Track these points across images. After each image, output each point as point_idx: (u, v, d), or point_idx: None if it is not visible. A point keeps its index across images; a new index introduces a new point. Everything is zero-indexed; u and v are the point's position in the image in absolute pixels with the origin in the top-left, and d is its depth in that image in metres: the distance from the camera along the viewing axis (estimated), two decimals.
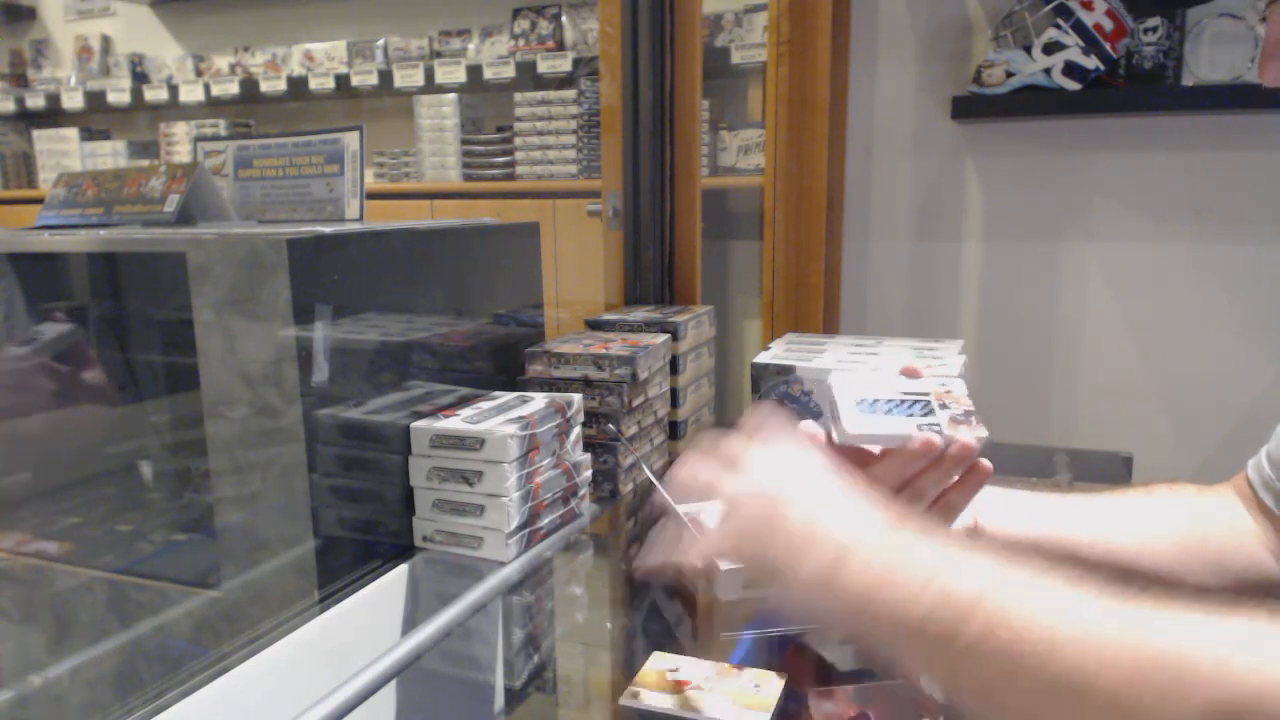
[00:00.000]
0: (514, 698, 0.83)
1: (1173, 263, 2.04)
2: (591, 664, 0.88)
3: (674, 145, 1.61)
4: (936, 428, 0.67)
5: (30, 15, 3.92)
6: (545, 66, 2.82)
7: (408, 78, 3.02)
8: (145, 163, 3.49)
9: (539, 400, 1.03)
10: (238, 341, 0.85)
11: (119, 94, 3.48)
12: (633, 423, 1.18)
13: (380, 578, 0.91)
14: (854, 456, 0.67)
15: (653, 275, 1.61)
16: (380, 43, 3.17)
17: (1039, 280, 2.15)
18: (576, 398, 1.06)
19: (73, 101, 3.57)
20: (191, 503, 1.07)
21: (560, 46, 2.88)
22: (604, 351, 1.14)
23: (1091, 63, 1.90)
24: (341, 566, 0.90)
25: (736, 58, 2.54)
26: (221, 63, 3.49)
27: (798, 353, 1.30)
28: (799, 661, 0.79)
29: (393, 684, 0.76)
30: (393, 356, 0.97)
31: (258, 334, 0.84)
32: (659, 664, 0.76)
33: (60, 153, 3.64)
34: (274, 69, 3.36)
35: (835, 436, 0.68)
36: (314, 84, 3.16)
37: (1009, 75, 1.97)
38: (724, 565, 0.87)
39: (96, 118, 3.67)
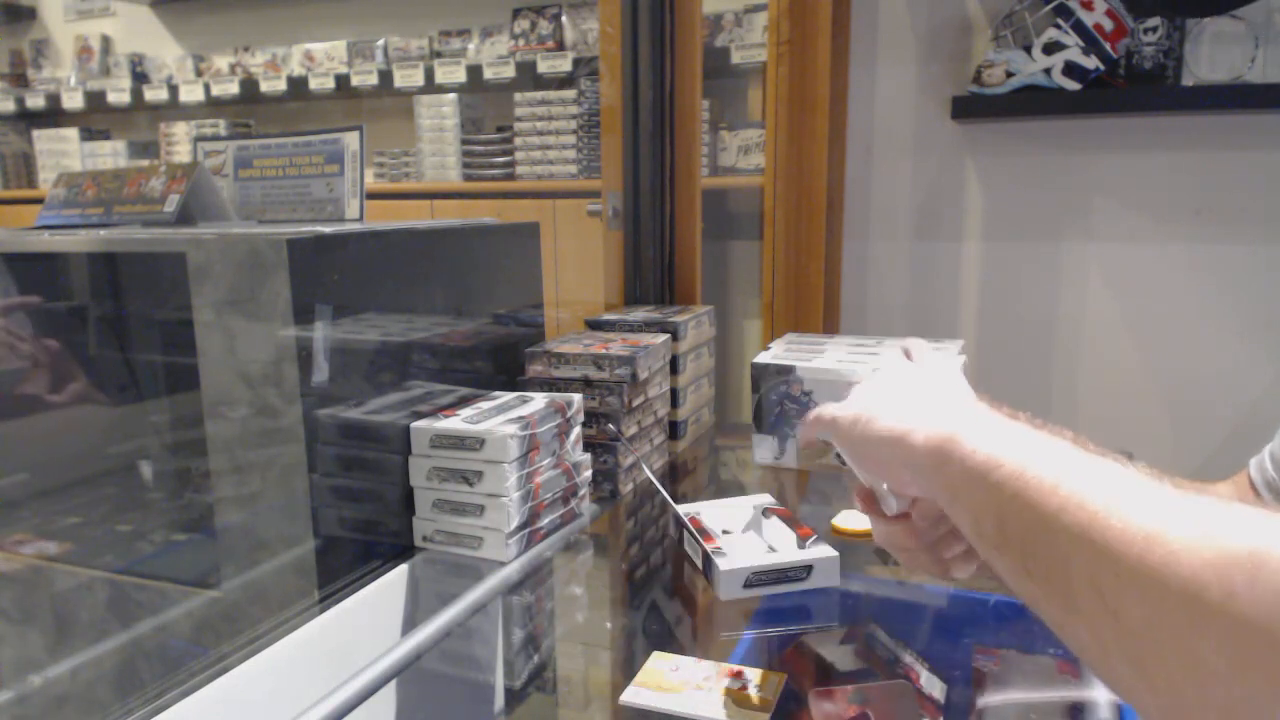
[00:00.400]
0: (514, 698, 0.83)
1: (1173, 263, 2.04)
2: (591, 664, 0.88)
3: (674, 145, 1.61)
4: None
5: (30, 15, 3.92)
6: (545, 66, 2.82)
7: (408, 78, 3.02)
8: (145, 163, 3.49)
9: (539, 400, 1.03)
10: (238, 341, 0.85)
11: (119, 94, 3.48)
12: (633, 423, 1.18)
13: (380, 578, 0.91)
14: None
15: (653, 275, 1.61)
16: (380, 43, 3.17)
17: (1039, 280, 2.15)
18: (576, 398, 1.06)
19: (73, 101, 3.57)
20: (191, 503, 1.07)
21: (560, 46, 2.88)
22: (604, 351, 1.14)
23: (1091, 63, 1.90)
24: (341, 566, 0.90)
25: (736, 58, 2.54)
26: (221, 63, 3.50)
27: (798, 353, 1.30)
28: (799, 661, 0.79)
29: (393, 684, 0.76)
30: (393, 356, 0.97)
31: (258, 334, 0.84)
32: (659, 664, 0.76)
33: (60, 153, 3.64)
34: (274, 69, 3.36)
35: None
36: (314, 84, 3.17)
37: (1009, 75, 1.97)
38: (724, 566, 0.87)
39: (96, 118, 3.67)
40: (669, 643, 0.81)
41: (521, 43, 2.92)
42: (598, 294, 1.63)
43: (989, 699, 0.71)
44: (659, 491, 1.16)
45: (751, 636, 0.85)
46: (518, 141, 2.85)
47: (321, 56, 3.27)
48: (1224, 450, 2.00)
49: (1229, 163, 1.97)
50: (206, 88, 3.33)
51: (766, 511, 1.01)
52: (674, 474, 1.31)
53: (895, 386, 0.63)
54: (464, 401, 1.05)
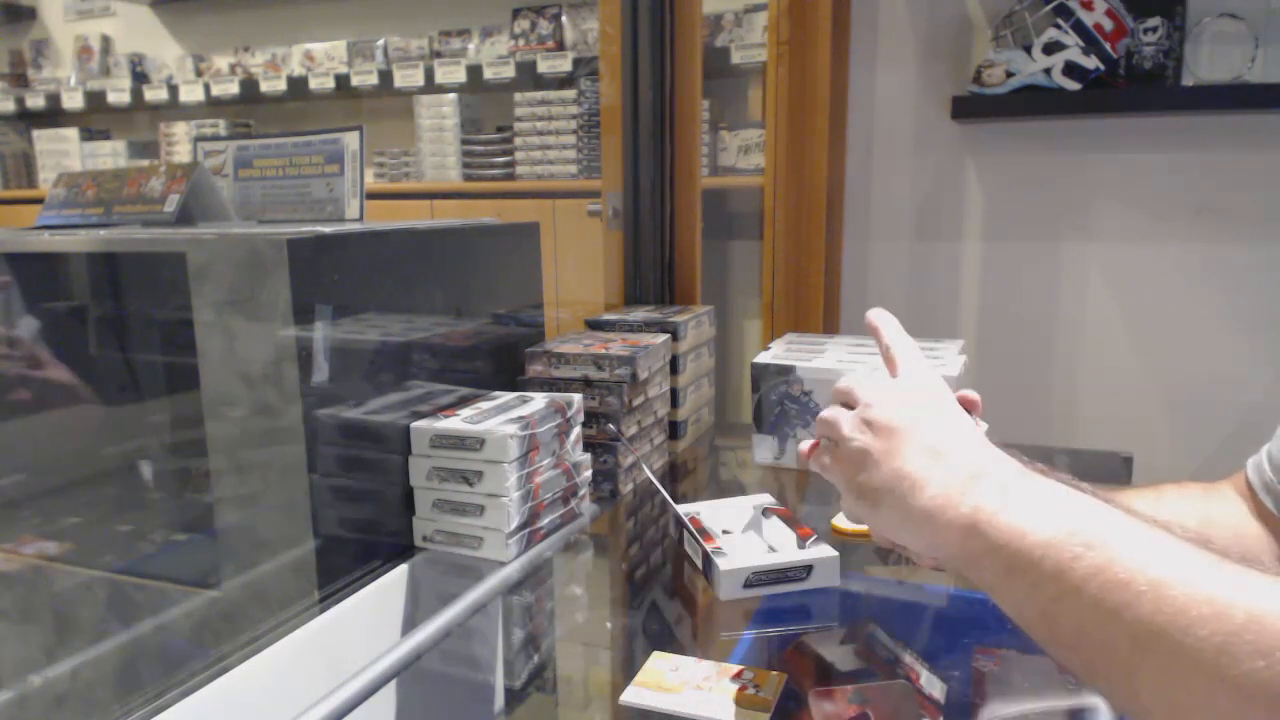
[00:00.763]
0: (514, 698, 0.83)
1: (1173, 263, 2.04)
2: (591, 664, 0.88)
3: (674, 145, 1.61)
4: None
5: (30, 15, 3.92)
6: (545, 66, 2.82)
7: (408, 78, 3.02)
8: (145, 163, 3.49)
9: (539, 400, 1.03)
10: (238, 341, 0.85)
11: (119, 94, 3.48)
12: (633, 423, 1.18)
13: (380, 578, 0.91)
14: None
15: (653, 275, 1.61)
16: (380, 43, 3.17)
17: (1039, 280, 2.15)
18: (576, 398, 1.06)
19: (73, 101, 3.57)
20: (191, 503, 1.07)
21: (560, 46, 2.88)
22: (604, 351, 1.14)
23: (1091, 63, 1.90)
24: (341, 566, 0.90)
25: (736, 58, 2.54)
26: (221, 63, 3.50)
27: (798, 353, 1.30)
28: (799, 661, 0.79)
29: (393, 684, 0.76)
30: (393, 356, 0.97)
31: (258, 334, 0.84)
32: (659, 664, 0.76)
33: (60, 153, 3.64)
34: (274, 69, 3.36)
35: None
36: (314, 84, 3.17)
37: (1009, 75, 1.97)
38: (724, 566, 0.87)
39: (96, 118, 3.67)
40: (669, 643, 0.81)
41: (521, 43, 2.92)
42: (598, 294, 1.63)
43: (989, 700, 0.71)
44: (659, 491, 1.16)
45: (751, 636, 0.85)
46: (518, 141, 2.85)
47: (321, 56, 3.27)
48: (1224, 450, 2.00)
49: (1229, 163, 1.97)
50: (206, 88, 3.33)
51: (766, 511, 1.01)
52: (674, 474, 1.31)
53: (884, 451, 0.58)
54: (464, 401, 1.05)
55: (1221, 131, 1.96)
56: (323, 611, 0.84)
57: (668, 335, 1.29)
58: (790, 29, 1.99)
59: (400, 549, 0.97)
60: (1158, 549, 0.45)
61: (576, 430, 1.06)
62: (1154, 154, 2.03)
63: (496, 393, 1.10)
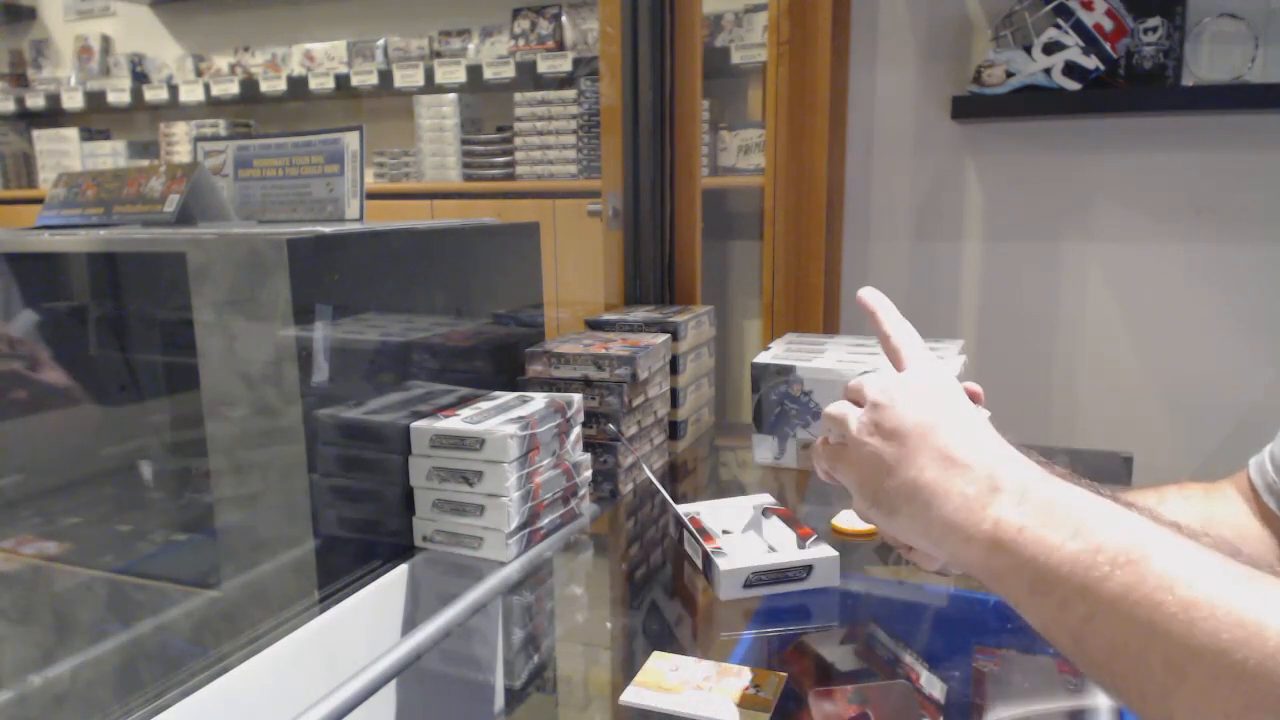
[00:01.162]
0: (514, 698, 0.83)
1: (1173, 263, 2.04)
2: (591, 664, 0.88)
3: (674, 145, 1.61)
4: None
5: (30, 15, 3.92)
6: (545, 66, 2.82)
7: (408, 78, 3.02)
8: (145, 163, 3.49)
9: (539, 400, 1.03)
10: (238, 341, 0.85)
11: (119, 94, 3.48)
12: (633, 423, 1.18)
13: (380, 578, 0.91)
14: None
15: (653, 275, 1.61)
16: (380, 43, 3.17)
17: (1039, 280, 2.15)
18: (576, 398, 1.06)
19: (73, 101, 3.57)
20: (191, 503, 1.07)
21: (560, 46, 2.88)
22: (604, 351, 1.14)
23: (1091, 63, 1.90)
24: (341, 566, 0.90)
25: (736, 58, 2.54)
26: (221, 63, 3.50)
27: (798, 353, 1.30)
28: (799, 661, 0.79)
29: (393, 684, 0.76)
30: (393, 356, 0.97)
31: (258, 334, 0.84)
32: (659, 664, 0.76)
33: (60, 153, 3.64)
34: (274, 69, 3.36)
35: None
36: (314, 84, 3.17)
37: (1009, 75, 1.97)
38: (724, 566, 0.87)
39: (96, 118, 3.67)
40: (669, 643, 0.81)
41: (521, 43, 2.92)
42: (598, 294, 1.63)
43: (989, 700, 0.71)
44: (659, 491, 1.16)
45: (751, 636, 0.85)
46: (518, 141, 2.85)
47: (321, 56, 3.27)
48: (1224, 450, 2.00)
49: (1229, 163, 1.97)
50: (206, 88, 3.33)
51: (766, 511, 1.01)
52: (674, 474, 1.31)
53: (898, 458, 0.57)
54: (464, 401, 1.05)
55: (1221, 131, 1.96)
56: (323, 611, 0.84)
57: (668, 335, 1.29)
58: (790, 29, 1.99)
59: (400, 549, 0.97)
60: (1187, 565, 0.44)
61: (576, 430, 1.05)
62: (1154, 154, 2.03)
63: (496, 393, 1.10)
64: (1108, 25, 1.88)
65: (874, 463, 0.58)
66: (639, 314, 1.41)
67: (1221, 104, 1.91)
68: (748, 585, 0.87)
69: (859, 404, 0.62)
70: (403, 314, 0.99)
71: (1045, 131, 2.10)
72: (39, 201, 1.23)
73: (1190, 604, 0.42)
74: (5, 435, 1.12)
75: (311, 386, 0.85)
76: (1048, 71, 1.94)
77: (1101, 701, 0.70)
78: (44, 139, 3.67)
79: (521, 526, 0.95)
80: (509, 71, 2.85)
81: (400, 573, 0.93)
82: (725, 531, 0.97)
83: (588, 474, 1.08)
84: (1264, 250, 1.96)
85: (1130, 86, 1.96)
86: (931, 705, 0.70)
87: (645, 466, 1.20)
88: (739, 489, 1.25)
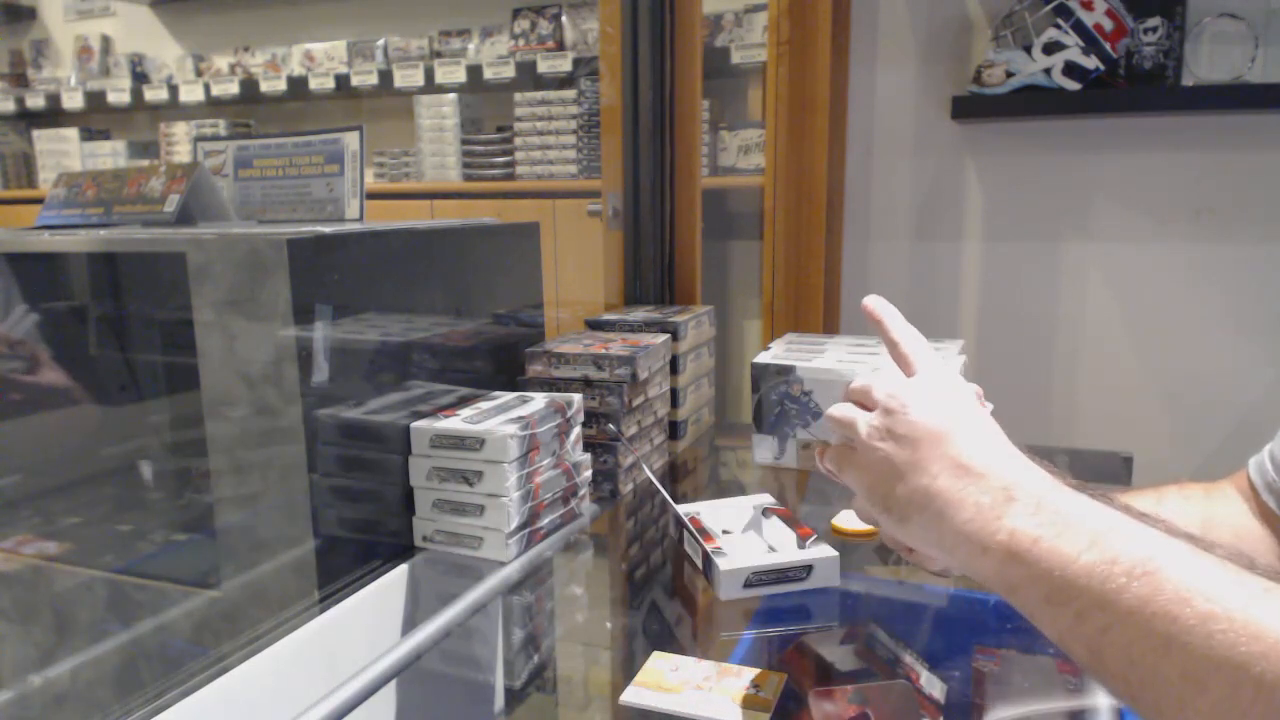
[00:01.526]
0: (514, 698, 0.83)
1: (1173, 263, 2.04)
2: (591, 664, 0.88)
3: (674, 145, 1.61)
4: None
5: (30, 15, 3.92)
6: (545, 66, 2.82)
7: (408, 78, 3.02)
8: (145, 163, 3.49)
9: (539, 400, 1.03)
10: (238, 341, 0.85)
11: (119, 94, 3.48)
12: (633, 423, 1.18)
13: (380, 578, 0.91)
14: None
15: (653, 275, 1.61)
16: (380, 43, 3.17)
17: (1039, 280, 2.15)
18: (576, 398, 1.06)
19: (73, 101, 3.57)
20: (191, 503, 1.07)
21: (560, 46, 2.88)
22: (604, 351, 1.14)
23: (1091, 63, 1.90)
24: (341, 566, 0.90)
25: (736, 58, 2.54)
26: (221, 63, 3.50)
27: (798, 353, 1.30)
28: (799, 661, 0.79)
29: (393, 684, 0.76)
30: (393, 356, 0.97)
31: (258, 334, 0.84)
32: (659, 664, 0.76)
33: (60, 153, 3.64)
34: (274, 69, 3.36)
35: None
36: (314, 84, 3.17)
37: (1009, 75, 1.97)
38: (724, 566, 0.87)
39: (96, 118, 3.67)
40: (669, 643, 0.81)
41: (521, 43, 2.92)
42: (598, 294, 1.63)
43: (989, 700, 0.71)
44: (659, 491, 1.16)
45: (751, 636, 0.85)
46: (518, 141, 2.85)
47: (321, 56, 3.27)
48: (1224, 450, 2.00)
49: (1229, 163, 1.97)
50: (206, 88, 3.33)
51: (766, 511, 1.01)
52: (674, 474, 1.31)
53: (910, 464, 0.56)
54: (464, 401, 1.05)
55: (1221, 131, 1.96)
56: (323, 611, 0.84)
57: (668, 335, 1.29)
58: (790, 29, 1.99)
59: (400, 549, 0.97)
60: (1204, 577, 0.44)
61: (576, 430, 1.05)
62: (1154, 154, 2.03)
63: (496, 393, 1.10)
64: (1108, 25, 1.88)
65: (885, 468, 0.57)
66: (639, 314, 1.41)
67: (1221, 104, 1.91)
68: (748, 585, 0.87)
69: (866, 407, 0.61)
70: (403, 314, 0.99)
71: (1045, 131, 2.10)
72: (39, 201, 1.23)
73: (1208, 616, 0.42)
74: (5, 435, 1.12)
75: (311, 386, 0.85)
76: (1048, 71, 1.94)
77: (1101, 701, 0.70)
78: (44, 139, 3.67)
79: (521, 526, 0.95)
80: (509, 71, 2.85)
81: (400, 573, 0.93)
82: (725, 531, 0.97)
83: (588, 474, 1.08)
84: (1264, 250, 1.96)
85: (1130, 86, 1.96)
86: (931, 705, 0.70)
87: (645, 466, 1.20)
88: (739, 489, 1.25)
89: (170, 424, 1.09)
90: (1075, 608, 0.47)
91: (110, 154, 3.60)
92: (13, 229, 1.26)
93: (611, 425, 1.13)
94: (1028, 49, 1.96)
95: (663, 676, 0.74)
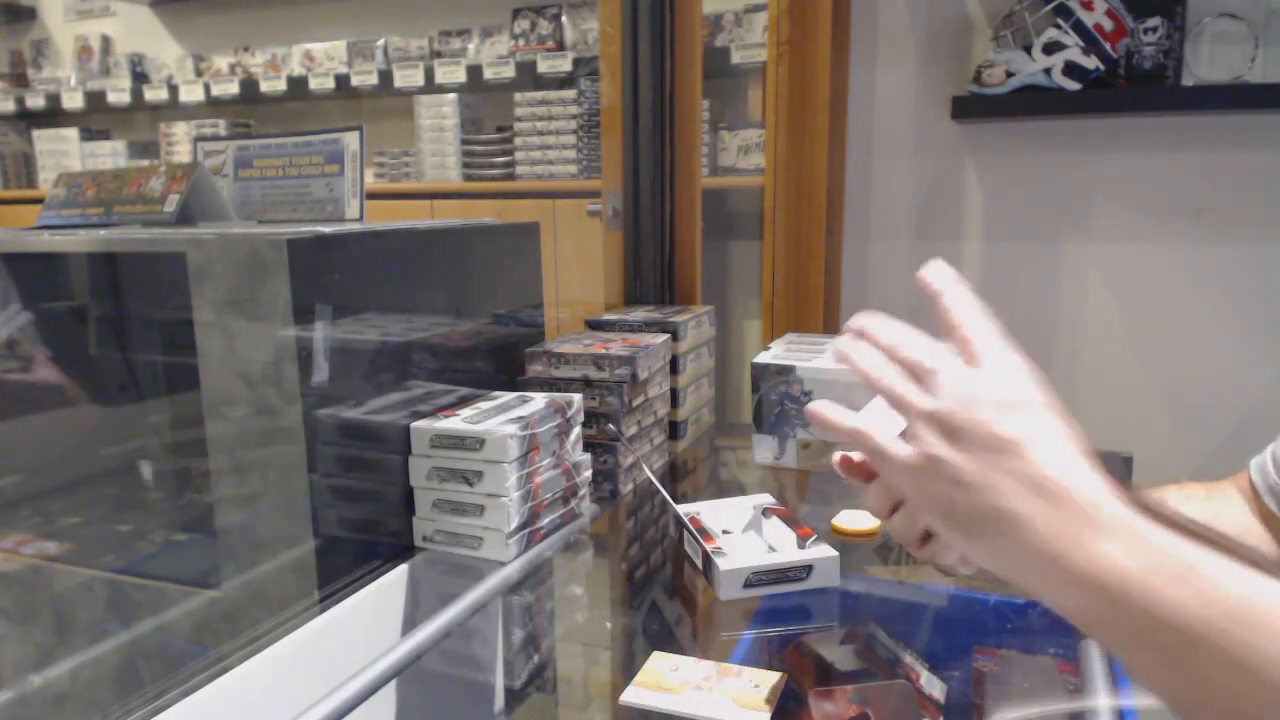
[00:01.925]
0: (514, 698, 0.83)
1: (1173, 263, 2.04)
2: (591, 664, 0.88)
3: (674, 145, 1.61)
4: None
5: (30, 15, 3.92)
6: (545, 66, 2.82)
7: (408, 78, 3.02)
8: (145, 163, 3.49)
9: (539, 400, 1.03)
10: (238, 341, 0.85)
11: (119, 94, 3.48)
12: (633, 423, 1.18)
13: (380, 578, 0.91)
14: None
15: (653, 275, 1.61)
16: (380, 43, 3.17)
17: (1039, 280, 2.15)
18: (576, 398, 1.06)
19: (73, 101, 3.57)
20: (191, 503, 1.07)
21: (560, 46, 2.88)
22: (604, 351, 1.14)
23: (1091, 63, 1.90)
24: (341, 566, 0.90)
25: (736, 58, 2.54)
26: (221, 63, 3.50)
27: (798, 353, 1.30)
28: (799, 661, 0.79)
29: (393, 684, 0.76)
30: (393, 356, 0.97)
31: (258, 334, 0.84)
32: (659, 664, 0.76)
33: (60, 153, 3.64)
34: (274, 69, 3.36)
35: (894, 447, 0.59)
36: (314, 84, 3.16)
37: (1009, 75, 1.97)
38: (724, 566, 0.87)
39: (96, 118, 3.67)
40: (669, 643, 0.81)
41: (521, 43, 2.92)
42: (598, 294, 1.63)
43: (989, 700, 0.71)
44: (659, 491, 1.16)
45: (751, 636, 0.85)
46: (518, 141, 2.85)
47: (321, 56, 3.27)
48: (1224, 450, 2.00)
49: (1229, 163, 1.97)
50: (206, 88, 3.33)
51: (766, 511, 1.01)
52: (674, 474, 1.31)
53: (980, 477, 0.50)
54: (464, 401, 1.05)
55: (1221, 131, 1.96)
56: (323, 611, 0.84)
57: (668, 335, 1.29)
58: (790, 29, 1.99)
59: (400, 549, 0.97)
60: None
61: (576, 430, 1.05)
62: (1154, 154, 2.03)
63: (496, 393, 1.10)
64: (1108, 25, 1.88)
65: (945, 472, 0.51)
66: (639, 314, 1.41)
67: (1221, 104, 1.91)
68: (748, 585, 0.87)
69: (919, 381, 0.54)
70: (403, 314, 0.99)
71: (1045, 131, 2.10)
72: (39, 201, 1.23)
73: None
74: (5, 435, 1.12)
75: (311, 386, 0.85)
76: (1048, 71, 1.94)
77: (1102, 702, 0.70)
78: (44, 139, 3.67)
79: (521, 526, 0.95)
80: (509, 71, 2.85)
81: (400, 573, 0.93)
82: (725, 531, 0.97)
83: (588, 474, 1.08)
84: (1264, 250, 1.96)
85: (1130, 86, 1.96)
86: (931, 705, 0.70)
87: (645, 466, 1.20)
88: (739, 489, 1.25)
89: (170, 424, 1.09)
90: (1168, 647, 0.44)
91: (110, 154, 3.60)
92: (13, 229, 1.26)
93: (611, 425, 1.13)
94: (1028, 49, 1.96)
95: (663, 676, 0.74)
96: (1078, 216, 2.10)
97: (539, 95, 2.81)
